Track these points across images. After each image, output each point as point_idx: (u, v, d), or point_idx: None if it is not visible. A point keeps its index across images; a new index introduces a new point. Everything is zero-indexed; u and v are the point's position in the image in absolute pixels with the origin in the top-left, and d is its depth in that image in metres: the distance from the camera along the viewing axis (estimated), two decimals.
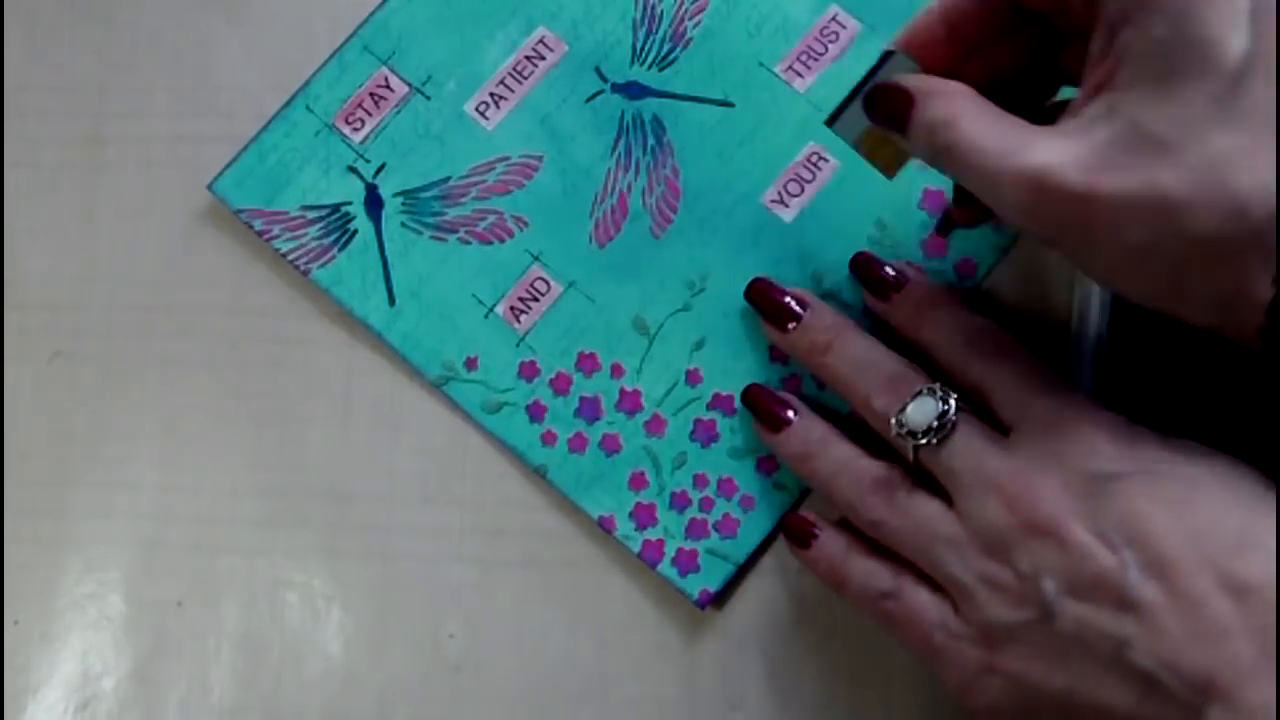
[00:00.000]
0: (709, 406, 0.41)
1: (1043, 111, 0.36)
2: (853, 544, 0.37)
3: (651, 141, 0.42)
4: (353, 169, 0.43)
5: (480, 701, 0.41)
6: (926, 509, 0.35)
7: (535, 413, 0.41)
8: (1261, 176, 0.28)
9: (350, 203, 0.42)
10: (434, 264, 0.42)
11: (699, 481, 0.41)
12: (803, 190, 0.42)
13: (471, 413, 0.42)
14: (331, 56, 0.43)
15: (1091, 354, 0.40)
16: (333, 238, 0.42)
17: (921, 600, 0.35)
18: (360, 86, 0.43)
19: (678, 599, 0.41)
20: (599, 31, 0.43)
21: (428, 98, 0.43)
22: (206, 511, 0.42)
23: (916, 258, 0.41)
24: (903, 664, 0.40)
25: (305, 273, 0.42)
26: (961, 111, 0.33)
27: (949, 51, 0.36)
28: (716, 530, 0.41)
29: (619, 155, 0.42)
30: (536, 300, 0.42)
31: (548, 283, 0.42)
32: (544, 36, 0.43)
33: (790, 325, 0.39)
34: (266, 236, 0.42)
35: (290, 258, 0.42)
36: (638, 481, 0.41)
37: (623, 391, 0.41)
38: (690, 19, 0.43)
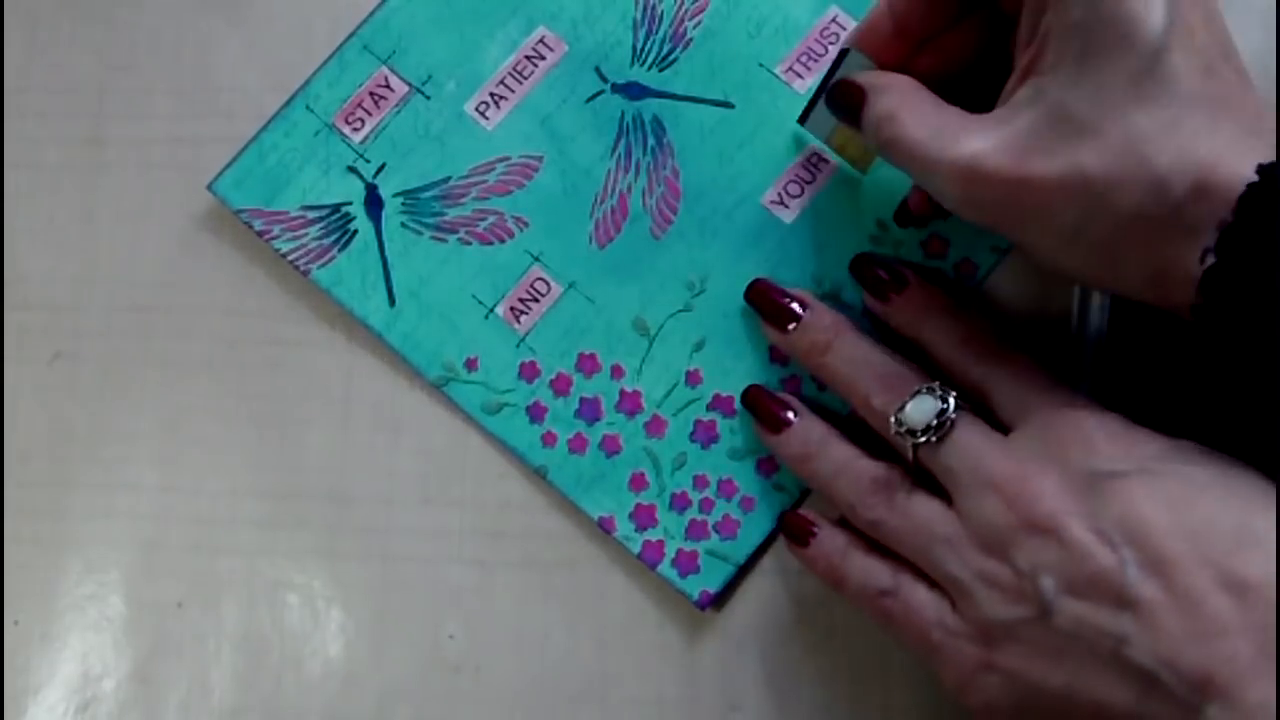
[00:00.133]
0: (709, 407, 0.41)
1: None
2: (851, 542, 0.37)
3: (652, 142, 0.42)
4: (353, 169, 0.43)
5: (480, 702, 0.41)
6: (925, 508, 0.35)
7: (535, 413, 0.41)
8: (1180, 152, 0.29)
9: (350, 203, 0.42)
10: (434, 264, 0.42)
11: (699, 482, 0.41)
12: (803, 191, 0.42)
13: (472, 414, 0.42)
14: (331, 56, 0.43)
15: (1091, 354, 0.40)
16: (333, 238, 0.42)
17: (920, 598, 0.35)
18: (360, 86, 0.43)
19: (678, 600, 0.41)
20: (599, 32, 0.43)
21: (428, 98, 0.43)
22: (207, 512, 0.42)
23: (917, 258, 0.41)
24: (903, 664, 0.40)
25: (305, 273, 0.42)
26: (902, 104, 0.35)
27: (899, 45, 0.37)
28: (716, 531, 0.41)
29: (619, 156, 0.42)
30: (537, 301, 0.42)
31: (548, 283, 0.42)
32: (544, 36, 0.43)
33: (790, 326, 0.40)
34: (266, 237, 0.42)
35: (290, 258, 0.42)
36: (638, 482, 0.41)
37: (623, 392, 0.41)
38: (690, 19, 0.43)
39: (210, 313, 0.43)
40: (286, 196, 0.42)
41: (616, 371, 0.42)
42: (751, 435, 0.41)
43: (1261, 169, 0.29)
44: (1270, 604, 0.28)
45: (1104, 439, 0.33)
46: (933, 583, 0.35)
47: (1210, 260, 0.29)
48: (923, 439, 0.35)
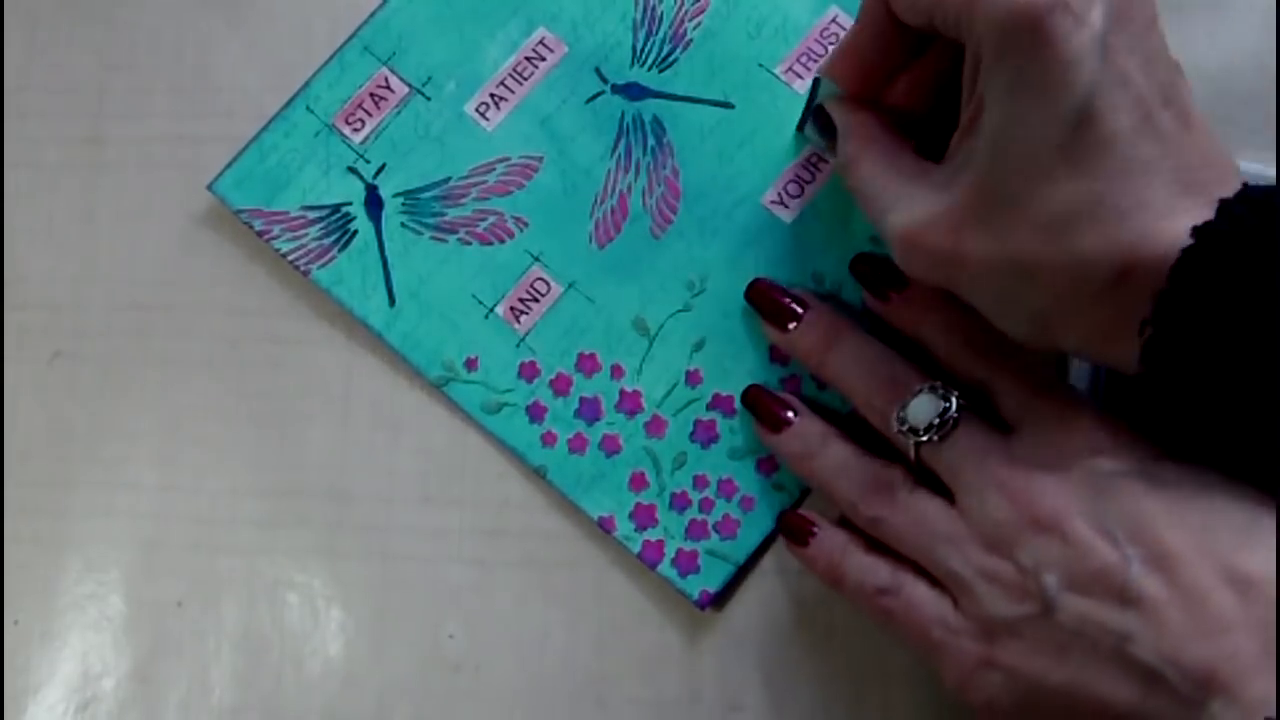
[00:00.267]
0: (709, 407, 0.41)
1: None
2: (851, 541, 0.37)
3: (651, 142, 0.42)
4: (353, 169, 0.43)
5: (480, 701, 0.41)
6: (927, 506, 0.35)
7: (535, 413, 0.41)
8: (1105, 236, 0.29)
9: (350, 203, 0.42)
10: (434, 264, 0.42)
11: (699, 482, 0.41)
12: (802, 191, 0.42)
13: (471, 413, 0.42)
14: (332, 57, 0.43)
15: None
16: (333, 238, 0.42)
17: (920, 595, 0.35)
18: (360, 87, 0.43)
19: (678, 599, 0.41)
20: (599, 33, 0.43)
21: (428, 98, 0.43)
22: (206, 511, 0.42)
23: None
24: (903, 664, 0.40)
25: (305, 273, 0.42)
26: (859, 153, 0.35)
27: (865, 77, 0.36)
28: (716, 531, 0.41)
29: (619, 156, 0.42)
30: (536, 301, 0.42)
31: (548, 283, 0.42)
32: (544, 37, 0.43)
33: (790, 325, 0.40)
34: (266, 237, 0.42)
35: (290, 258, 0.42)
36: (638, 482, 0.41)
37: (623, 392, 0.41)
38: (690, 20, 0.43)
39: (210, 312, 0.43)
40: (286, 197, 0.42)
41: (616, 371, 0.42)
42: (751, 435, 0.41)
43: (1196, 230, 0.28)
44: (1273, 600, 0.29)
45: (1107, 437, 0.33)
46: (933, 581, 0.35)
47: (1149, 332, 0.29)
48: (925, 438, 0.35)
